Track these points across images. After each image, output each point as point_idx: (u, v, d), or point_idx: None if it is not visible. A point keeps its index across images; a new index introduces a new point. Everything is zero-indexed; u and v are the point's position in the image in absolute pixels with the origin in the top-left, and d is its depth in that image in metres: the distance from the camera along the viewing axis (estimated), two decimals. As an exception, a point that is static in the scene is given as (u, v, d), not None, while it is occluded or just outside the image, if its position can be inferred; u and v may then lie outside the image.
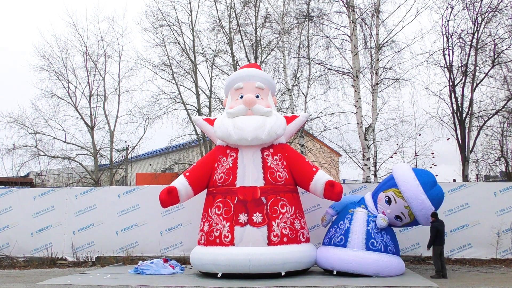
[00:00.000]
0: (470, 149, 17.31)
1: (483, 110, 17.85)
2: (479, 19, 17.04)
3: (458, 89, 17.42)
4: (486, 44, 17.34)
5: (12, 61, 50.16)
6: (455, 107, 17.39)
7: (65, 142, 21.80)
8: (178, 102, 21.17)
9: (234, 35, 20.66)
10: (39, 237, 14.49)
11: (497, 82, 17.71)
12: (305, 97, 19.49)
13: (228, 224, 10.47)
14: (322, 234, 12.54)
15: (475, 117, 17.60)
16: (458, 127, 17.29)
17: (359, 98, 16.93)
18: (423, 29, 33.48)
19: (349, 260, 10.14)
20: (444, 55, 17.63)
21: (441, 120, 17.77)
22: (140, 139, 22.41)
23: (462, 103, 17.32)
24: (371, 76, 17.46)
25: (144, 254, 13.78)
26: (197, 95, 21.05)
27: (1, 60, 49.34)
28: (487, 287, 8.92)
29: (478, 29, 17.12)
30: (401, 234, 12.70)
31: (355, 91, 16.93)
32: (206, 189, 11.60)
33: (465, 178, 16.81)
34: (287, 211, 10.72)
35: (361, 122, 16.84)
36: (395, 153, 18.05)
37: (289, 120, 11.86)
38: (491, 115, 17.62)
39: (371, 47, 17.80)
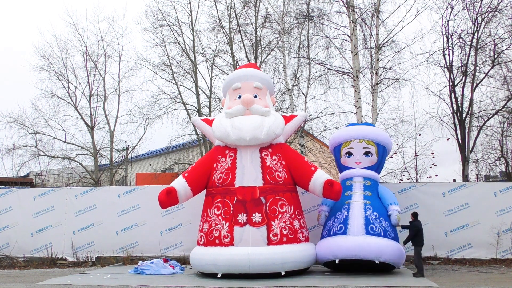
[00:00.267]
0: (470, 149, 17.31)
1: (483, 110, 17.84)
2: (479, 19, 17.04)
3: (458, 89, 17.43)
4: (486, 44, 17.33)
5: (12, 61, 50.20)
6: (455, 107, 17.39)
7: (65, 142, 21.81)
8: (178, 102, 21.16)
9: (234, 35, 20.66)
10: (39, 237, 14.50)
11: (497, 82, 17.71)
12: (305, 97, 19.51)
13: (227, 224, 10.47)
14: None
15: (475, 117, 17.59)
16: (458, 127, 17.28)
17: (359, 98, 16.94)
18: (423, 29, 33.33)
19: (350, 246, 10.15)
20: (444, 55, 17.63)
21: (441, 120, 17.77)
22: (140, 139, 22.43)
23: (462, 103, 17.32)
24: (371, 76, 17.46)
25: (144, 254, 13.78)
26: (197, 95, 21.05)
27: (4, 60, 49.37)
28: (487, 287, 8.91)
29: (478, 29, 17.12)
30: (400, 234, 12.68)
31: (355, 91, 16.93)
32: (205, 190, 11.61)
33: (465, 178, 16.81)
34: (286, 210, 10.71)
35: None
36: (395, 153, 18.04)
37: (287, 119, 11.84)
38: (491, 115, 17.61)
39: (371, 47, 17.80)
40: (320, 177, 10.88)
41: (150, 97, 21.93)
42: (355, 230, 10.38)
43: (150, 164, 25.55)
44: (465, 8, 17.30)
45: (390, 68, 17.67)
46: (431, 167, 17.99)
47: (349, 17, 17.33)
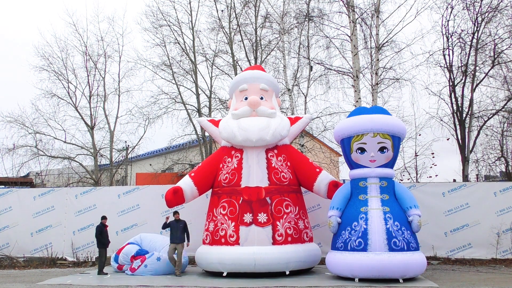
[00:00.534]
0: (470, 149, 17.30)
1: (483, 110, 17.83)
2: (479, 19, 17.03)
3: (458, 89, 17.42)
4: (486, 44, 17.32)
5: (12, 60, 50.19)
6: (455, 107, 17.38)
7: (65, 142, 21.81)
8: (178, 102, 21.16)
9: (234, 35, 20.66)
10: (39, 237, 14.51)
11: (497, 82, 17.70)
12: (305, 97, 19.50)
13: (233, 224, 10.59)
14: (322, 233, 12.60)
15: (475, 117, 17.58)
16: (458, 127, 17.28)
17: (359, 98, 16.92)
18: (423, 29, 33.45)
19: (372, 265, 9.28)
20: (444, 55, 17.63)
21: (441, 120, 17.77)
22: (140, 139, 22.44)
23: (462, 103, 17.31)
24: (371, 76, 17.45)
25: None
26: (197, 95, 21.05)
27: (4, 60, 49.36)
28: (487, 287, 8.92)
29: (478, 29, 17.11)
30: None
31: (355, 91, 16.92)
32: (211, 190, 11.70)
33: (465, 178, 16.80)
34: (291, 211, 10.87)
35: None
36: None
37: (292, 121, 12.05)
38: (491, 115, 17.60)
39: (371, 47, 17.79)
40: (325, 178, 11.24)
41: (150, 97, 21.99)
42: (376, 247, 9.42)
43: (150, 164, 25.56)
44: (465, 8, 17.31)
45: (390, 68, 17.67)
46: (431, 167, 18.01)
47: (349, 17, 17.32)
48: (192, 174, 11.64)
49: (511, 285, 9.19)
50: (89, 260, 14.10)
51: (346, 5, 17.41)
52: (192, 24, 21.24)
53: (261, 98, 11.62)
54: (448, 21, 17.49)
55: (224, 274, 10.31)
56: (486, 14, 16.97)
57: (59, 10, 45.63)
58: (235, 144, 11.36)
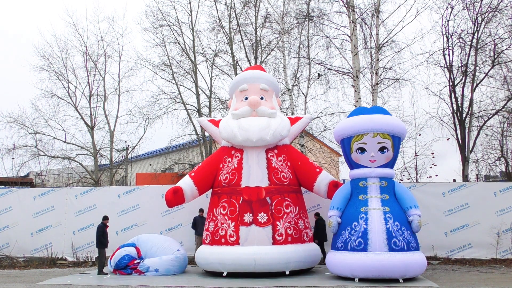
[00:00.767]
0: (470, 149, 17.30)
1: (483, 110, 17.84)
2: (479, 19, 17.04)
3: (458, 89, 17.43)
4: (486, 44, 17.33)
5: (12, 61, 50.18)
6: (455, 107, 17.39)
7: (65, 142, 21.82)
8: (178, 102, 21.17)
9: (234, 35, 20.66)
10: (39, 237, 14.51)
11: (497, 82, 17.71)
12: (305, 97, 19.50)
13: (233, 223, 10.59)
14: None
15: (475, 117, 17.59)
16: (458, 127, 17.28)
17: (359, 98, 16.92)
18: (423, 29, 33.50)
19: (372, 265, 9.30)
20: (444, 55, 17.63)
21: (441, 120, 17.78)
22: (140, 139, 22.45)
23: (462, 103, 17.32)
24: (371, 76, 17.45)
25: (144, 254, 13.76)
26: (197, 95, 21.05)
27: (5, 60, 49.35)
28: (487, 287, 8.92)
29: (478, 29, 17.11)
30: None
31: (355, 91, 16.91)
32: (211, 190, 11.71)
33: (465, 178, 16.81)
34: (291, 211, 10.87)
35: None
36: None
37: (292, 121, 12.04)
38: (491, 115, 17.61)
39: (371, 47, 17.79)
40: (325, 178, 11.25)
41: (150, 97, 22.01)
42: (376, 246, 9.43)
43: (150, 164, 25.56)
44: (465, 8, 17.31)
45: (390, 68, 17.67)
46: (431, 167, 18.01)
47: (349, 17, 17.32)
48: (192, 174, 11.65)
49: (511, 285, 9.19)
50: (89, 260, 14.10)
51: (346, 5, 17.41)
52: (192, 24, 21.26)
53: (261, 98, 11.62)
54: (448, 21, 17.52)
55: (224, 274, 10.31)
56: (486, 14, 16.98)
57: (59, 10, 45.69)
58: (235, 144, 11.37)
